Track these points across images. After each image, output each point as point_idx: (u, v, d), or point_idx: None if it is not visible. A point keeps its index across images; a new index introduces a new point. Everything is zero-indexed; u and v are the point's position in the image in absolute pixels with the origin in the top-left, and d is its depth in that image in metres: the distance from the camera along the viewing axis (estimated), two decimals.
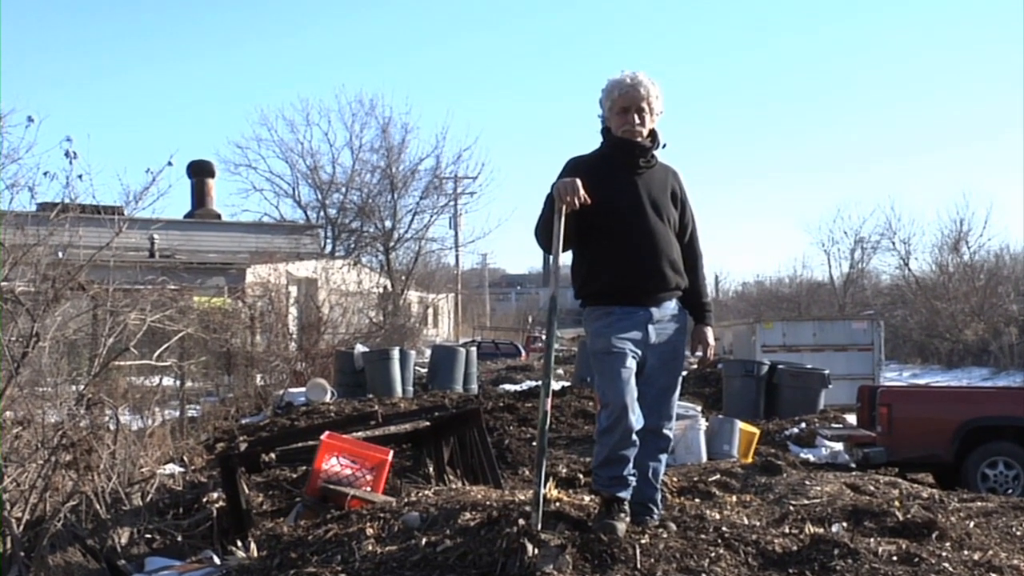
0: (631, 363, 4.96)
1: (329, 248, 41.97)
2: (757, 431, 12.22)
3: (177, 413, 14.84)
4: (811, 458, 12.17)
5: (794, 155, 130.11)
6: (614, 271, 5.04)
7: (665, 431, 5.18)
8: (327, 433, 6.66)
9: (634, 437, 4.91)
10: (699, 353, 5.42)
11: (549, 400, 4.87)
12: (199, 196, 38.45)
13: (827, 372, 16.13)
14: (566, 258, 5.16)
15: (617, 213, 5.04)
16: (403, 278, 41.33)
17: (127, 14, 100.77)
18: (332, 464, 6.41)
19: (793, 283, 64.08)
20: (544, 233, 5.02)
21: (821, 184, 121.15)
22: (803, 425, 13.74)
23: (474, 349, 22.04)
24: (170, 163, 8.08)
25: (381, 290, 36.82)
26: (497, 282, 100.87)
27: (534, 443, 11.25)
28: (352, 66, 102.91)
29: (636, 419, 4.91)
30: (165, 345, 9.57)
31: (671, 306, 5.16)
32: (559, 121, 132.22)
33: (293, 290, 26.59)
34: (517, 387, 20.66)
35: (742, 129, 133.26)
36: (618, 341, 4.97)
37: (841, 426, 13.72)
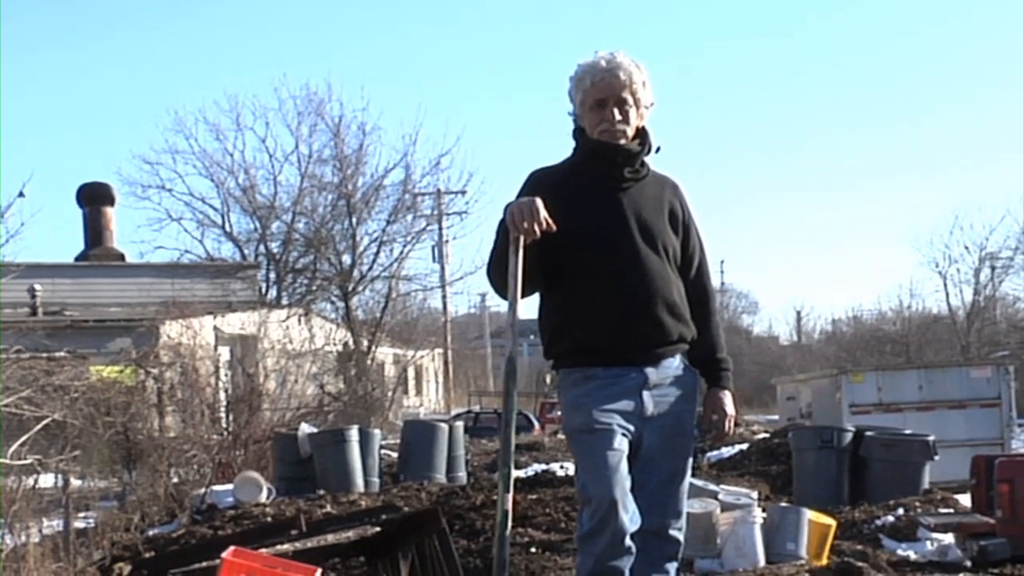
0: (621, 443, 4.97)
1: (273, 294, 41.99)
2: (833, 523, 12.13)
3: (61, 524, 14.84)
4: (911, 555, 12.10)
5: (894, 152, 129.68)
6: (594, 321, 5.06)
7: (672, 532, 5.19)
8: (232, 549, 6.66)
9: (628, 542, 4.92)
10: (714, 427, 5.37)
11: (510, 496, 4.88)
12: (94, 231, 38.46)
13: (931, 439, 16.03)
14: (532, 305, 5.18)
15: (595, 242, 5.06)
16: (372, 331, 41.24)
17: None
18: None
19: (899, 317, 63.86)
20: (498, 272, 5.03)
21: (932, 186, 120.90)
22: (900, 511, 13.66)
23: (460, 424, 21.94)
24: (22, 194, 8.15)
25: (341, 347, 36.80)
26: (502, 331, 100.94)
27: (532, 549, 11.28)
28: (293, 50, 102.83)
29: (630, 518, 4.92)
30: (23, 437, 9.60)
31: (673, 364, 5.18)
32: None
33: (224, 352, 26.63)
34: (521, 472, 20.60)
35: (824, 122, 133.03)
36: (602, 415, 4.98)
37: (951, 511, 13.64)
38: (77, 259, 37.88)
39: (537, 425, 43.19)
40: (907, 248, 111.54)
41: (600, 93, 5.11)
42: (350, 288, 41.02)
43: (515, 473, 19.69)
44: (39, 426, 10.60)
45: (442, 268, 48.63)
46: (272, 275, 43.11)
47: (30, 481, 13.48)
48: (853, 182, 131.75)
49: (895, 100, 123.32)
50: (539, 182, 5.12)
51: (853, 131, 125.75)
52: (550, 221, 4.87)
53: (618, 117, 5.10)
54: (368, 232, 41.93)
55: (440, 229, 46.43)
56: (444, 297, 52.76)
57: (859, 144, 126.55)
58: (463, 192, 43.39)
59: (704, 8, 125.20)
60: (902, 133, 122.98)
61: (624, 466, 4.94)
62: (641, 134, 5.20)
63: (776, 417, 33.18)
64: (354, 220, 41.38)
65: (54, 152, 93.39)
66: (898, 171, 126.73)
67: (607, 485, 4.86)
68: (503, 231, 4.98)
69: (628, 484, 4.93)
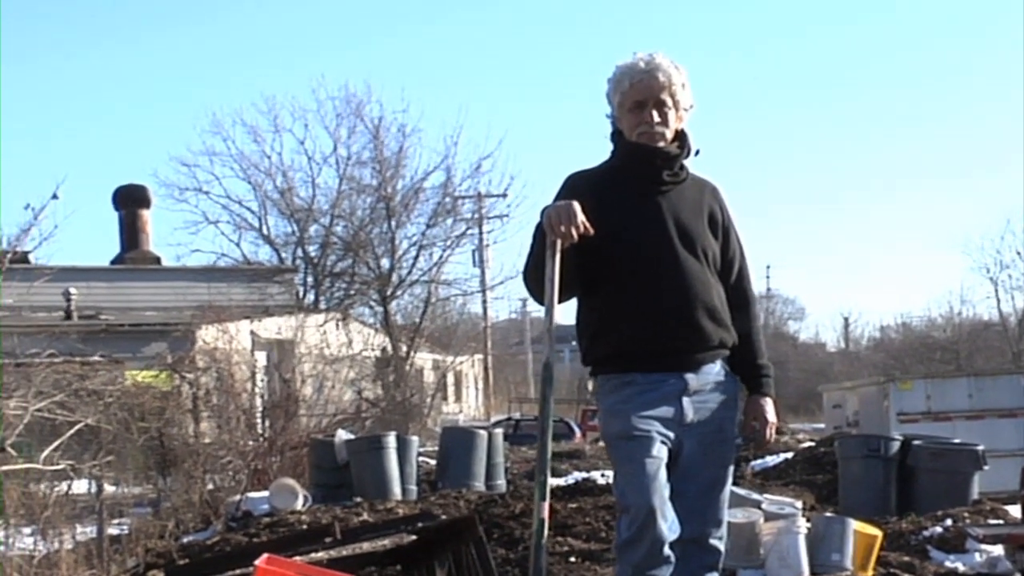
0: (660, 451, 4.98)
1: (310, 298, 42.08)
2: (879, 533, 12.08)
3: (94, 531, 14.91)
4: (960, 567, 12.03)
5: (945, 154, 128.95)
6: (632, 326, 5.07)
7: (712, 541, 5.19)
8: (265, 557, 6.67)
9: (667, 551, 4.92)
10: (755, 434, 5.36)
11: (546, 505, 4.89)
12: (130, 234, 38.65)
13: (981, 448, 15.93)
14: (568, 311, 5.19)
15: (634, 246, 5.08)
16: (411, 336, 41.24)
17: None
18: None
19: (949, 324, 63.56)
20: (535, 277, 5.05)
21: (983, 190, 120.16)
22: (948, 522, 13.59)
23: (500, 431, 21.94)
24: (55, 196, 8.22)
25: (379, 353, 36.81)
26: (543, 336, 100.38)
27: (571, 559, 11.28)
28: (332, 50, 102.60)
29: (669, 527, 4.92)
30: (56, 443, 9.68)
31: (713, 370, 5.18)
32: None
33: (260, 357, 26.73)
34: (562, 481, 20.60)
35: (874, 123, 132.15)
36: (641, 421, 4.99)
37: (1001, 522, 13.57)
38: (113, 262, 38.08)
39: (578, 432, 43.06)
40: (957, 253, 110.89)
41: (638, 95, 5.12)
42: (389, 292, 41.08)
43: (555, 481, 19.81)
44: (71, 431, 10.67)
45: (482, 273, 48.54)
46: (310, 279, 43.25)
47: (63, 487, 13.57)
48: (903, 185, 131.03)
49: (947, 100, 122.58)
50: (576, 185, 5.13)
51: (903, 132, 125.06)
52: (587, 225, 4.88)
53: (657, 119, 5.11)
54: (407, 236, 42.04)
55: (480, 233, 46.40)
56: (484, 302, 52.69)
57: (909, 146, 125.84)
58: (504, 195, 43.44)
59: (749, 6, 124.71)
60: (953, 134, 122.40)
61: (663, 474, 4.94)
62: (680, 137, 5.20)
63: (822, 425, 33.00)
64: (393, 223, 41.46)
65: (90, 154, 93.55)
66: (949, 174, 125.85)
67: (645, 493, 4.87)
68: (540, 235, 5.01)
69: (667, 492, 4.93)
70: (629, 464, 4.94)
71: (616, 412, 5.04)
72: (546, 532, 4.91)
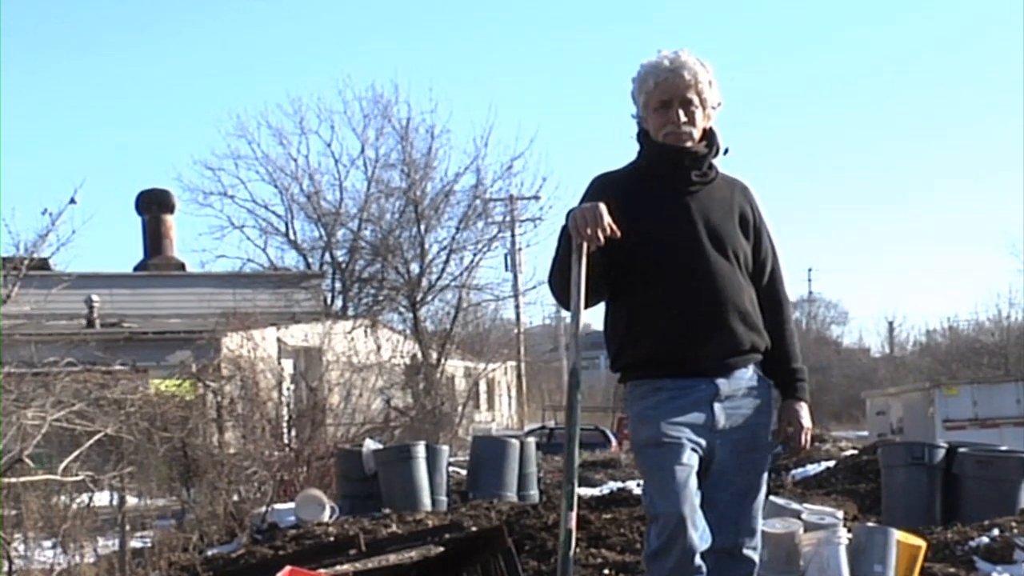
0: (690, 458, 4.96)
1: (338, 304, 42.15)
2: (923, 544, 12.01)
3: (116, 544, 14.96)
4: None
5: (993, 153, 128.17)
6: (661, 331, 5.06)
7: (746, 551, 5.17)
8: (287, 570, 6.69)
9: (698, 561, 4.91)
10: (790, 440, 5.32)
11: (573, 515, 4.88)
12: (154, 239, 38.70)
13: None
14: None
15: (662, 249, 5.07)
16: (441, 342, 41.19)
17: None
18: None
19: (997, 328, 63.23)
20: (560, 281, 5.05)
21: None
22: (995, 532, 13.53)
23: (532, 440, 21.92)
24: (73, 201, 8.26)
25: (408, 360, 36.78)
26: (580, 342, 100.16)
27: (605, 571, 11.27)
28: (358, 49, 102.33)
29: (700, 536, 4.90)
30: (75, 453, 9.71)
31: (746, 375, 5.17)
32: None
33: (287, 365, 26.76)
34: (596, 491, 20.56)
35: (919, 123, 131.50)
36: (671, 428, 4.97)
37: None
38: (136, 268, 38.16)
39: (614, 441, 42.94)
40: (1005, 255, 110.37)
41: (664, 94, 5.11)
42: (418, 298, 41.06)
43: (590, 491, 19.73)
44: (91, 441, 10.72)
45: (515, 277, 48.34)
46: (337, 285, 43.35)
47: (84, 498, 13.61)
48: (948, 186, 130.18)
49: (996, 98, 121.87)
50: (603, 187, 5.13)
51: (950, 131, 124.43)
52: (615, 227, 4.88)
53: (683, 118, 5.10)
54: (437, 239, 42.06)
55: (512, 236, 46.26)
56: (517, 307, 52.44)
57: (956, 145, 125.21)
58: (537, 197, 43.43)
59: (796, 7, 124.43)
60: (1002, 134, 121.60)
61: (693, 482, 4.92)
62: (708, 136, 5.19)
63: (866, 433, 32.89)
64: (423, 227, 41.43)
65: (112, 158, 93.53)
66: (996, 174, 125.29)
67: (675, 501, 4.85)
68: (565, 238, 5.01)
69: (698, 500, 4.91)
70: (658, 472, 4.94)
71: (645, 419, 5.03)
72: (574, 543, 4.92)
